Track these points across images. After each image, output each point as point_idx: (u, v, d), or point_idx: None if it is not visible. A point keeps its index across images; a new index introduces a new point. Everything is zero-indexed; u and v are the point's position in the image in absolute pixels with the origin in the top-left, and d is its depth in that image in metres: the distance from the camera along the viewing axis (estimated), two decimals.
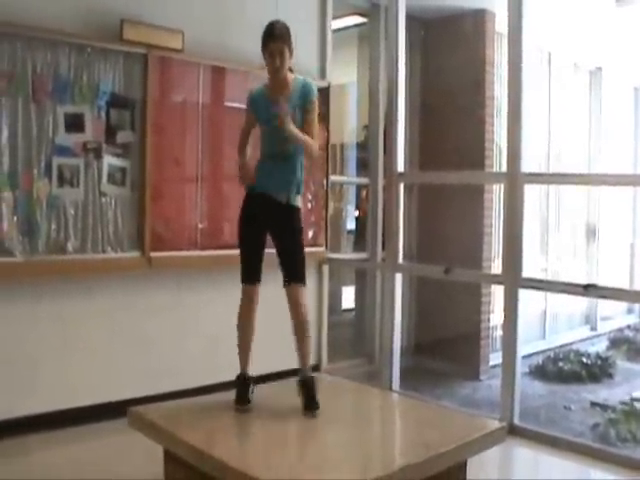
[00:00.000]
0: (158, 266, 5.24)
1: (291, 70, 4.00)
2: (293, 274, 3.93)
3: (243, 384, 3.95)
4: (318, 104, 4.05)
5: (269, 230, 4.00)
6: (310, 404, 3.74)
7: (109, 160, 4.99)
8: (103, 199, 4.98)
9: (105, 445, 4.59)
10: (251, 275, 4.02)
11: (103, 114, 4.96)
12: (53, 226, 4.75)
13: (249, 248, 4.04)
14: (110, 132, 5.00)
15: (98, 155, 4.93)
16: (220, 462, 3.06)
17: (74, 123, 4.81)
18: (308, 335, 3.99)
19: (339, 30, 7.08)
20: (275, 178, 3.96)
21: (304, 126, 3.91)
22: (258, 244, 4.02)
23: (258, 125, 4.07)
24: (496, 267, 7.19)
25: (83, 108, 4.86)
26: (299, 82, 3.98)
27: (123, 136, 5.07)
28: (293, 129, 3.79)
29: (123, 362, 5.17)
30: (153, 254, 5.19)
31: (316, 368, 6.14)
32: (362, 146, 7.59)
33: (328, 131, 6.28)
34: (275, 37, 3.86)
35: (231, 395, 3.92)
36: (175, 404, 4.07)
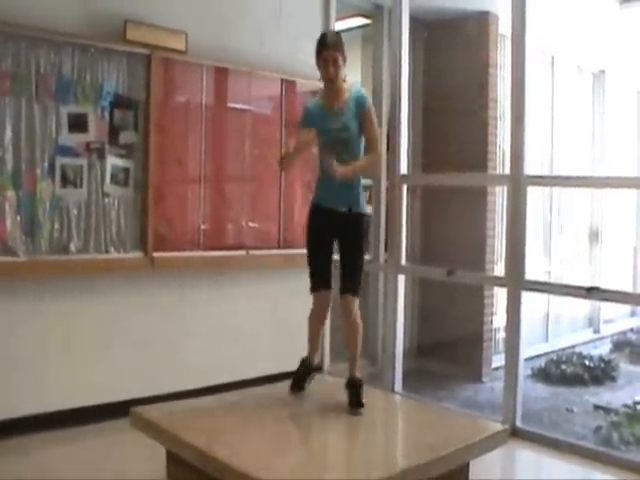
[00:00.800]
0: (161, 266, 5.24)
1: (344, 80, 4.03)
2: (346, 285, 4.01)
3: (304, 368, 4.13)
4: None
5: (335, 239, 4.08)
6: (354, 403, 3.83)
7: (112, 160, 4.99)
8: (106, 199, 4.99)
9: (107, 445, 4.58)
10: (321, 284, 4.07)
11: (106, 114, 4.96)
12: (56, 226, 4.75)
13: (314, 257, 4.09)
14: (113, 132, 5.00)
15: (101, 155, 4.94)
16: (222, 463, 3.05)
17: (77, 123, 4.81)
18: (357, 342, 4.07)
19: (343, 31, 7.00)
20: (333, 190, 4.00)
21: (365, 134, 3.99)
22: (324, 253, 4.08)
23: (318, 137, 4.05)
24: (499, 269, 7.18)
25: (86, 108, 4.86)
26: (354, 92, 4.01)
27: (126, 137, 5.07)
28: (349, 171, 3.87)
29: (126, 362, 5.17)
30: (156, 254, 5.19)
31: (319, 368, 6.15)
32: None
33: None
34: (328, 45, 3.90)
35: (235, 396, 3.93)
36: (177, 404, 4.06)
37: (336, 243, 4.09)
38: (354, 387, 3.89)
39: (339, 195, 4.00)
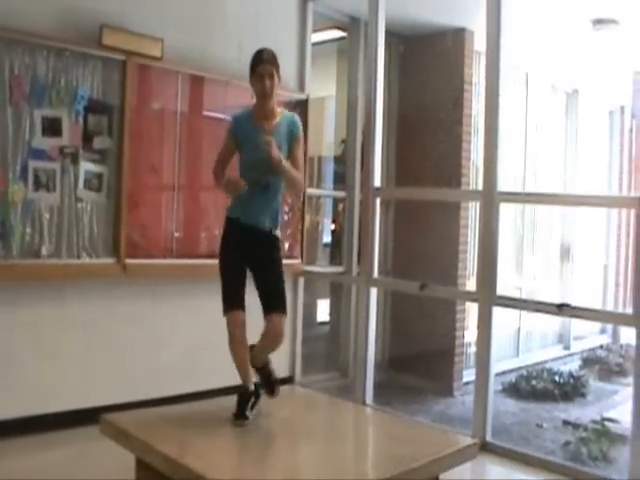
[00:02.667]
0: (133, 273, 5.20)
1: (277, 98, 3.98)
2: (277, 303, 3.92)
3: (242, 397, 3.86)
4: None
5: (249, 259, 3.96)
6: (237, 414, 3.75)
7: (86, 166, 4.95)
8: (79, 204, 4.95)
9: (76, 452, 4.54)
10: (236, 302, 3.91)
11: (80, 119, 4.93)
12: (28, 230, 4.70)
13: (232, 274, 3.96)
14: (87, 137, 4.97)
15: (75, 160, 4.90)
16: (192, 471, 3.03)
17: (51, 127, 4.78)
18: (269, 354, 4.08)
19: (319, 44, 7.09)
20: (255, 207, 3.90)
21: (292, 158, 3.90)
22: (241, 270, 3.97)
23: (238, 151, 3.99)
24: (471, 284, 7.20)
25: (60, 112, 4.83)
26: (288, 116, 3.97)
27: (100, 142, 5.04)
28: (283, 161, 3.77)
29: (97, 368, 5.13)
30: (128, 261, 5.16)
31: (290, 380, 6.13)
32: (339, 160, 7.60)
33: (306, 144, 6.27)
34: (264, 60, 3.85)
35: (206, 405, 3.89)
36: (148, 412, 4.02)
37: (250, 262, 3.97)
38: (241, 396, 3.83)
39: (263, 212, 3.91)
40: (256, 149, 3.78)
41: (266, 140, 3.70)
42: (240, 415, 3.76)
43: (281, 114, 3.97)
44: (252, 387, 3.92)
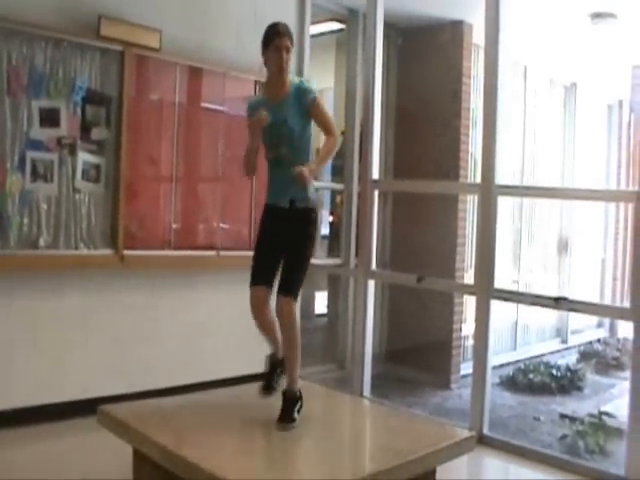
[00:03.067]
0: (130, 264, 5.19)
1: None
2: (281, 285, 3.76)
3: (270, 366, 3.90)
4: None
5: (283, 241, 3.82)
6: (282, 417, 3.65)
7: (84, 156, 4.94)
8: (77, 195, 4.94)
9: (74, 443, 4.54)
10: (258, 278, 3.81)
11: (78, 110, 4.92)
12: (25, 221, 4.69)
13: (259, 254, 3.86)
14: (85, 128, 4.96)
15: (73, 151, 4.89)
16: (189, 463, 3.03)
17: (49, 118, 4.76)
18: (293, 347, 3.77)
19: (317, 36, 7.08)
20: (278, 185, 3.85)
21: (317, 122, 3.81)
22: (269, 250, 3.84)
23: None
24: (469, 277, 7.20)
25: (58, 103, 4.81)
26: (295, 84, 3.83)
27: (98, 133, 5.03)
28: (312, 168, 3.67)
29: (95, 360, 5.12)
30: (126, 252, 5.15)
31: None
32: (338, 152, 7.57)
33: None
34: (281, 33, 3.77)
35: (203, 396, 3.88)
36: (146, 403, 4.03)
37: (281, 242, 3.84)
38: (285, 400, 3.72)
39: (282, 190, 3.80)
40: (270, 127, 3.73)
41: (297, 172, 3.57)
42: (265, 386, 3.82)
43: (290, 84, 3.83)
44: (280, 354, 3.91)
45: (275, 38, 3.76)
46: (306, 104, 3.77)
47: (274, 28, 3.81)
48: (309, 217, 3.83)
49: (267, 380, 3.89)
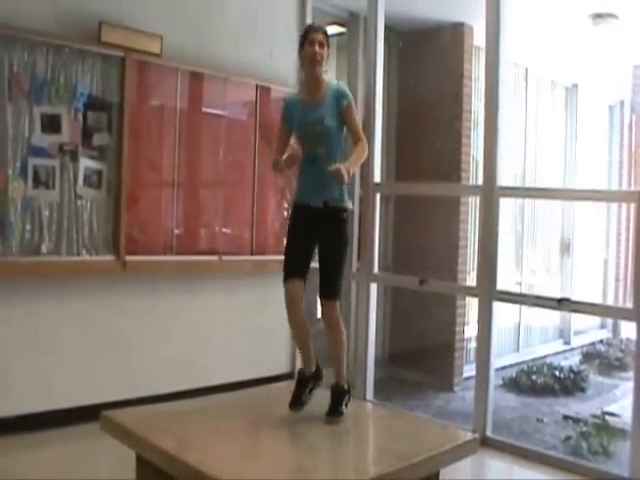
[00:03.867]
0: (132, 270, 5.20)
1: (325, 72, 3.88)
2: (323, 290, 3.79)
3: (299, 382, 3.89)
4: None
5: (314, 240, 3.82)
6: (331, 411, 3.75)
7: (85, 162, 4.95)
8: (79, 201, 4.94)
9: (77, 449, 4.54)
10: (292, 271, 3.78)
11: (80, 116, 4.93)
12: (27, 227, 4.70)
13: (291, 251, 3.84)
14: (87, 134, 4.97)
15: (74, 157, 4.90)
16: (192, 468, 3.02)
17: (50, 124, 4.77)
18: (339, 346, 3.92)
19: None
20: (309, 184, 3.84)
21: (348, 127, 3.82)
22: (301, 248, 3.82)
23: (294, 132, 3.89)
24: (471, 279, 7.20)
25: (60, 109, 4.82)
26: (332, 86, 3.84)
27: (100, 138, 5.04)
28: (348, 167, 3.61)
29: (97, 365, 5.12)
30: (128, 258, 5.15)
31: (290, 376, 6.12)
32: None
33: None
34: (316, 29, 3.80)
35: (206, 401, 3.88)
36: (148, 409, 4.01)
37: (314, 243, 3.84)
38: (334, 394, 3.81)
39: (314, 189, 3.80)
40: (305, 126, 3.78)
41: (334, 169, 3.55)
42: (295, 401, 3.80)
43: (327, 85, 3.84)
44: (312, 369, 3.94)
45: (309, 33, 3.79)
46: (342, 107, 3.79)
47: (309, 25, 3.96)
48: (342, 217, 3.83)
49: (296, 395, 3.85)
